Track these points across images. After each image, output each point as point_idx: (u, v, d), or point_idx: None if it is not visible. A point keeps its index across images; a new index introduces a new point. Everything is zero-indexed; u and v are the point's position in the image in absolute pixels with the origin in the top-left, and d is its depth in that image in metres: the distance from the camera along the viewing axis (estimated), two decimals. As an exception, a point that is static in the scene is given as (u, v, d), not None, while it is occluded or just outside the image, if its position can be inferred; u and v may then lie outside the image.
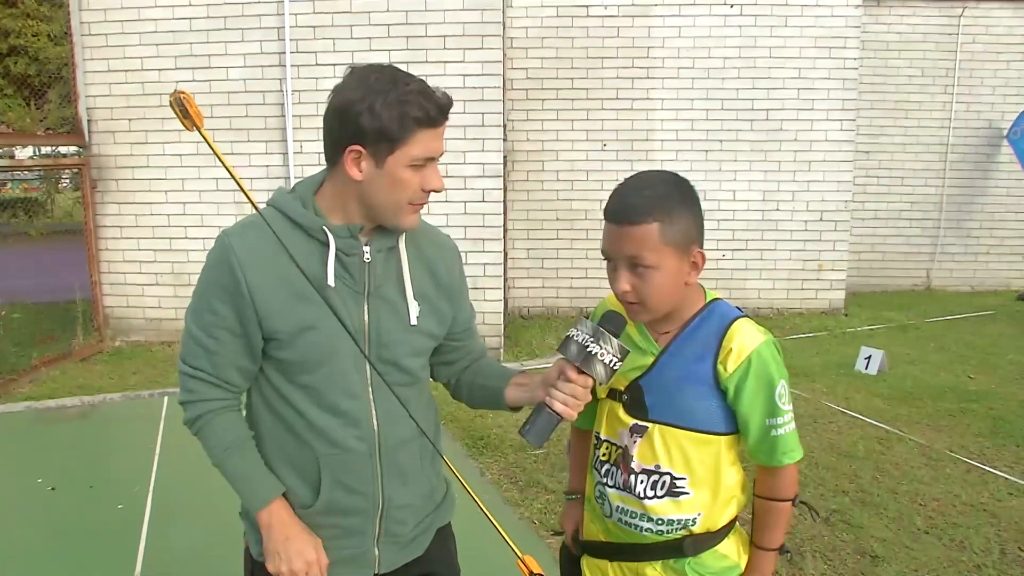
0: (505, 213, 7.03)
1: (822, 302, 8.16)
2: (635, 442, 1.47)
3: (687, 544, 1.48)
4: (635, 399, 1.48)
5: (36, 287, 8.46)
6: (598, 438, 1.56)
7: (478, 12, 6.32)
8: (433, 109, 1.34)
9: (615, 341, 1.33)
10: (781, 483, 1.49)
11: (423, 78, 1.37)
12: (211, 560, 3.14)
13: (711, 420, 1.45)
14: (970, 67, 9.20)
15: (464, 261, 1.66)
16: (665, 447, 1.45)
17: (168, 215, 6.70)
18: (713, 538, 1.49)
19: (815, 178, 7.99)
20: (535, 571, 1.52)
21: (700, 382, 1.44)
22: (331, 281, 1.39)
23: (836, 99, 7.89)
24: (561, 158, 8.01)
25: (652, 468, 1.46)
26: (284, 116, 6.50)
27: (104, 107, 6.62)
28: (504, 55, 6.78)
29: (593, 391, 1.38)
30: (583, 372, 1.33)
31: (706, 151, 7.94)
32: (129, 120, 6.60)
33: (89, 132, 6.63)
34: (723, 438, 1.46)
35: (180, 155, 6.57)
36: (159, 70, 6.52)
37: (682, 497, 1.46)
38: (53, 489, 3.90)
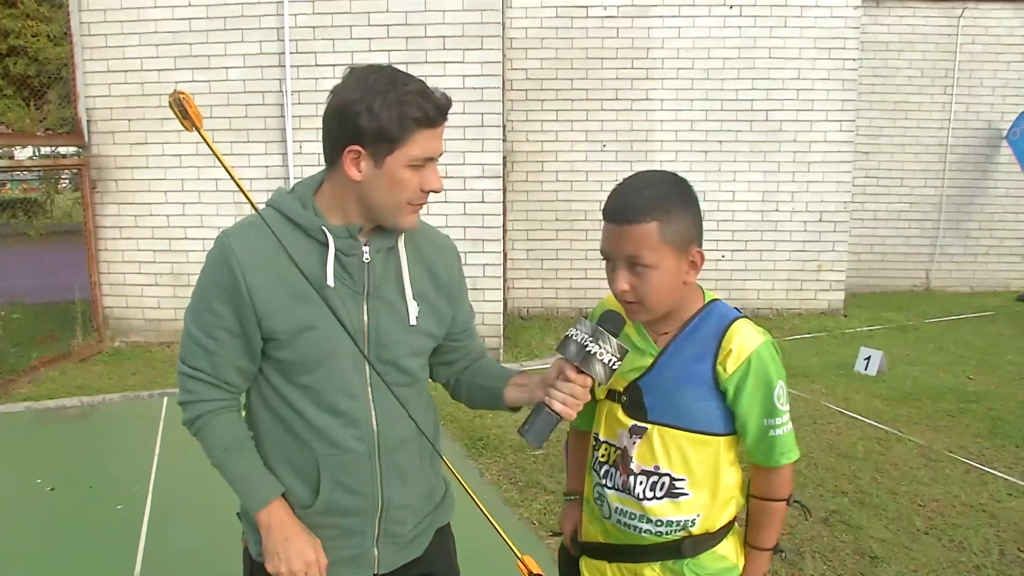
0: (504, 214, 7.03)
1: (821, 303, 8.17)
2: (634, 443, 1.47)
3: (686, 545, 1.48)
4: (634, 400, 1.48)
5: (36, 287, 8.46)
6: (597, 439, 1.56)
7: (478, 13, 6.32)
8: (432, 109, 1.34)
9: (614, 341, 1.33)
10: (777, 483, 1.49)
11: (422, 79, 1.37)
12: (210, 560, 3.14)
13: (710, 421, 1.45)
14: (969, 68, 9.20)
15: (463, 262, 1.66)
16: (664, 448, 1.45)
17: (167, 215, 6.70)
18: (712, 539, 1.49)
19: (814, 179, 8.00)
20: (534, 571, 1.52)
21: (699, 383, 1.44)
22: (330, 281, 1.39)
23: (835, 100, 7.89)
24: (560, 159, 8.01)
25: (651, 469, 1.46)
26: (284, 117, 6.50)
27: (104, 107, 6.62)
28: (503, 56, 6.78)
29: (592, 391, 1.38)
30: (582, 372, 1.33)
31: (705, 152, 7.95)
32: (129, 120, 6.60)
33: (88, 132, 6.63)
34: (722, 439, 1.46)
35: (179, 155, 6.57)
36: (159, 70, 6.53)
37: (681, 498, 1.46)
38: (52, 490, 3.90)
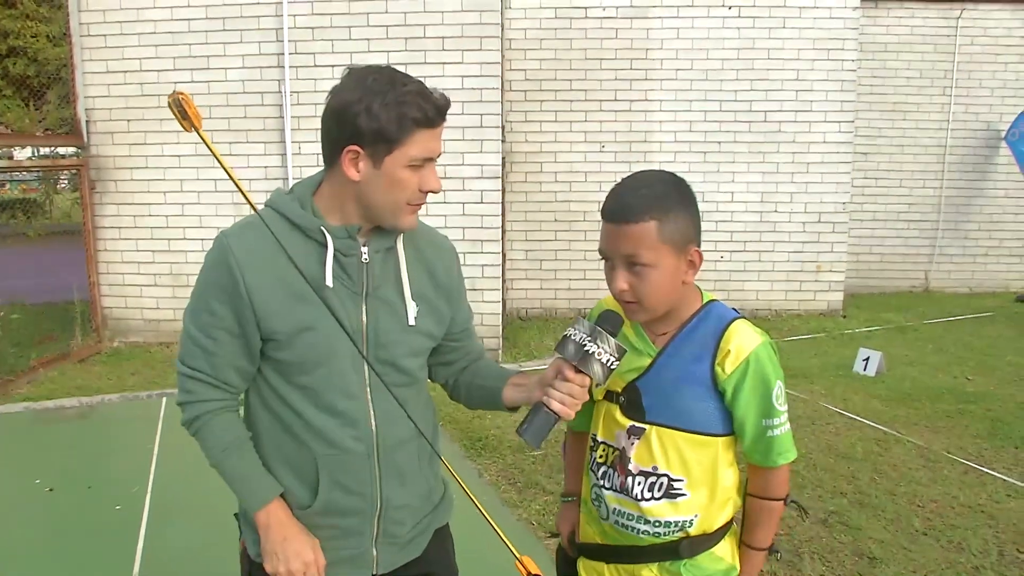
0: (503, 214, 7.04)
1: (820, 304, 8.17)
2: (632, 444, 1.47)
3: (683, 546, 1.48)
4: (632, 401, 1.47)
5: (35, 288, 8.47)
6: (595, 440, 1.56)
7: (477, 14, 6.32)
8: (431, 110, 1.34)
9: (612, 340, 1.33)
10: (774, 482, 1.49)
11: (421, 79, 1.37)
12: (209, 560, 3.14)
13: (709, 421, 1.45)
14: (968, 69, 9.22)
15: (462, 262, 1.66)
16: (663, 449, 1.45)
17: (167, 216, 6.70)
18: (709, 540, 1.49)
19: (813, 180, 8.00)
20: (533, 572, 1.52)
21: (698, 383, 1.44)
22: (329, 282, 1.39)
23: (834, 101, 7.90)
24: (559, 160, 8.02)
25: (649, 470, 1.46)
26: (283, 117, 6.50)
27: (103, 108, 6.62)
28: (503, 57, 6.78)
29: (590, 392, 1.38)
30: (580, 371, 1.33)
31: (704, 153, 7.95)
32: (128, 121, 6.60)
33: (88, 133, 6.63)
34: (721, 439, 1.46)
35: (179, 156, 6.57)
36: (158, 71, 6.52)
37: (679, 499, 1.46)
38: (51, 490, 3.90)
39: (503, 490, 3.87)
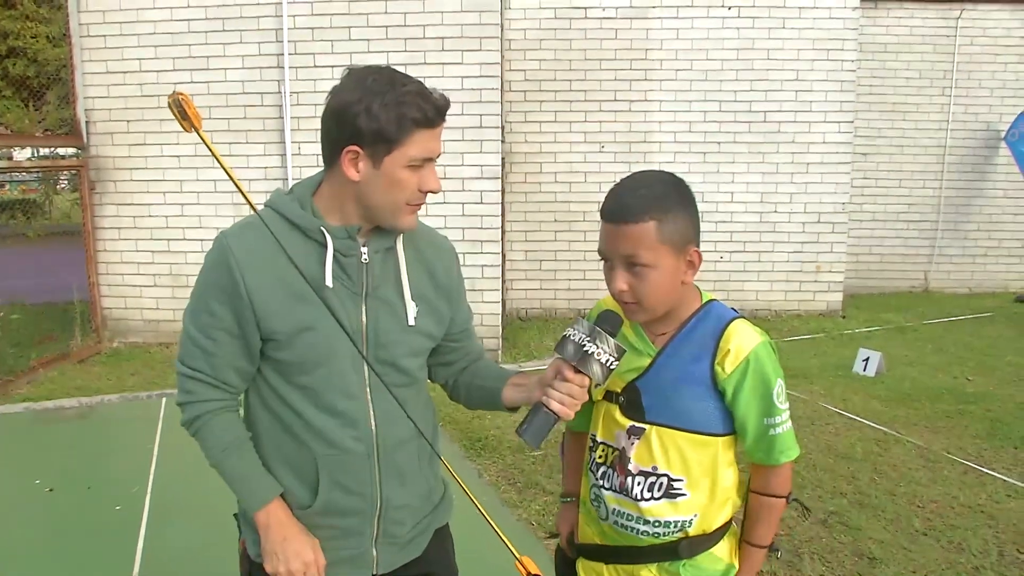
0: (503, 215, 7.04)
1: (820, 304, 8.17)
2: (632, 444, 1.47)
3: (682, 546, 1.48)
4: (632, 401, 1.47)
5: (34, 288, 8.46)
6: (594, 440, 1.56)
7: (476, 14, 6.32)
8: (431, 110, 1.34)
9: (612, 340, 1.33)
10: (776, 481, 1.49)
11: (421, 80, 1.38)
12: (209, 560, 3.14)
13: (709, 421, 1.45)
14: (968, 69, 9.22)
15: (462, 263, 1.66)
16: (663, 448, 1.45)
17: (166, 216, 6.69)
18: (708, 540, 1.49)
19: (813, 180, 8.00)
20: (533, 572, 1.52)
21: (697, 383, 1.44)
22: (329, 282, 1.39)
23: (834, 101, 7.90)
24: (559, 160, 8.02)
25: (649, 470, 1.46)
26: (282, 118, 6.50)
27: (102, 108, 6.62)
28: (502, 57, 6.78)
29: (589, 392, 1.38)
30: (580, 371, 1.33)
31: (704, 153, 7.95)
32: (127, 122, 6.60)
33: (87, 133, 6.63)
34: (720, 439, 1.46)
35: (178, 156, 6.57)
36: (157, 72, 6.52)
37: (679, 498, 1.46)
38: (51, 490, 3.90)
39: (503, 490, 3.87)
